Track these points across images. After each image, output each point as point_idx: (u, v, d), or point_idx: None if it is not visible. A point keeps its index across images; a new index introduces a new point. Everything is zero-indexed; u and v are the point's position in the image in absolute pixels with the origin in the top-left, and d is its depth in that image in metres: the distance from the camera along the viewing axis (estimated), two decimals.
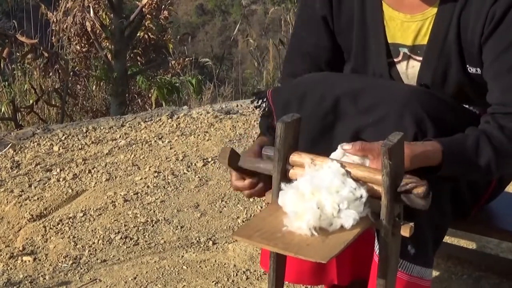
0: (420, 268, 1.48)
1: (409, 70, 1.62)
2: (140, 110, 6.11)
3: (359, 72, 1.65)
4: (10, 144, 3.36)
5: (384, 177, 1.23)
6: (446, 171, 1.38)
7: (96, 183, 2.97)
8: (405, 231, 1.28)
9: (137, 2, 6.29)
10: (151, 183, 2.95)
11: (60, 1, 6.31)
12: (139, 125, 3.67)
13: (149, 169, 3.09)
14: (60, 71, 5.45)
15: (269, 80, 6.61)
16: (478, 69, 1.53)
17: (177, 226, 2.59)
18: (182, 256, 2.37)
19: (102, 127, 3.63)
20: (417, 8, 1.56)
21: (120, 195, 2.83)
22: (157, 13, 6.61)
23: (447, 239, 2.36)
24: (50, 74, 5.65)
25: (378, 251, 1.47)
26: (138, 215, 2.67)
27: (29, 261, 2.36)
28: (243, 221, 2.63)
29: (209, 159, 3.18)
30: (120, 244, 2.46)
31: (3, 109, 5.07)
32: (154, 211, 2.71)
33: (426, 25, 1.56)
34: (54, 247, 2.45)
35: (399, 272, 1.42)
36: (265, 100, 1.60)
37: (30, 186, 2.95)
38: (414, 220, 1.30)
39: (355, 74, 1.65)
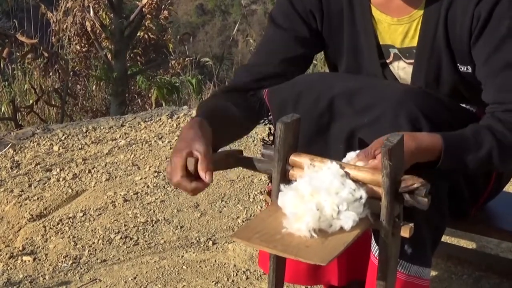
0: (418, 268, 1.47)
1: (401, 71, 1.62)
2: (140, 110, 6.10)
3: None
4: (10, 144, 3.35)
5: (384, 178, 1.22)
6: (447, 163, 1.37)
7: (96, 183, 2.97)
8: (405, 231, 1.28)
9: (137, 2, 6.29)
10: (151, 183, 2.94)
11: (60, 1, 6.31)
12: (139, 125, 3.66)
13: (149, 169, 3.08)
14: (60, 71, 5.45)
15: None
16: (469, 67, 1.53)
17: (177, 226, 2.58)
18: (182, 256, 2.37)
19: (102, 127, 3.62)
20: (404, 11, 1.56)
21: (120, 195, 2.83)
22: (157, 13, 6.60)
23: (447, 239, 2.36)
24: (50, 74, 5.65)
25: (376, 251, 1.47)
26: (138, 215, 2.67)
27: (29, 261, 2.36)
28: (243, 221, 2.62)
29: None
30: (120, 244, 2.46)
31: (3, 109, 5.06)
32: (154, 211, 2.70)
33: (413, 27, 1.56)
34: (54, 247, 2.45)
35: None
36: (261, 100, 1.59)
37: (30, 186, 2.95)
38: (411, 219, 1.29)
39: (351, 74, 1.65)
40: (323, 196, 1.20)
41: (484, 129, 1.43)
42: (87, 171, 3.08)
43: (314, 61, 5.46)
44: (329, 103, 1.46)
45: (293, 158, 1.34)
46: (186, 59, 6.97)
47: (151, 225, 2.59)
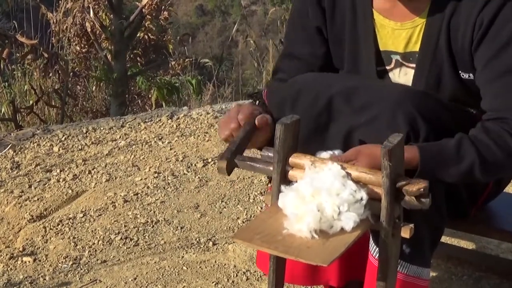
0: (417, 268, 1.47)
1: (402, 77, 1.62)
2: (140, 111, 6.10)
3: None
4: (10, 145, 3.35)
5: (384, 178, 1.22)
6: (423, 176, 1.36)
7: (96, 183, 2.97)
8: (405, 232, 1.28)
9: (137, 3, 6.29)
10: (151, 183, 2.94)
11: (60, 2, 6.30)
12: (139, 126, 3.66)
13: (149, 170, 3.09)
14: (60, 71, 5.44)
15: (269, 80, 6.61)
16: (471, 74, 1.54)
17: (177, 227, 2.58)
18: (182, 257, 2.37)
19: (102, 128, 3.63)
20: (407, 16, 1.56)
21: (120, 195, 2.83)
22: (157, 13, 6.60)
23: (447, 239, 2.36)
24: (50, 74, 5.65)
25: (374, 252, 1.47)
26: (138, 216, 2.67)
27: (29, 261, 2.36)
28: (243, 222, 2.63)
29: (209, 160, 3.18)
30: (120, 245, 2.46)
31: (3, 109, 5.06)
32: (154, 212, 2.70)
33: (417, 32, 1.56)
34: (54, 247, 2.45)
35: None
36: (260, 102, 1.60)
37: (30, 186, 2.95)
38: (410, 219, 1.29)
39: (349, 74, 1.65)
40: (324, 197, 1.21)
41: (467, 141, 1.42)
42: (87, 172, 3.08)
43: None
44: (327, 102, 1.46)
45: (293, 159, 1.35)
46: (186, 59, 6.97)
47: (151, 225, 2.60)
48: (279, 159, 1.34)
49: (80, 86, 6.40)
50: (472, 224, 1.73)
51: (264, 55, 7.40)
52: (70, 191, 2.90)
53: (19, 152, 3.31)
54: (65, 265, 2.33)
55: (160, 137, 3.50)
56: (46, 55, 5.30)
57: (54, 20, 6.23)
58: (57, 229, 2.58)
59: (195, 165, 3.13)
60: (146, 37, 6.74)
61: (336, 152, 1.36)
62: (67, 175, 3.05)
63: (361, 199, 1.23)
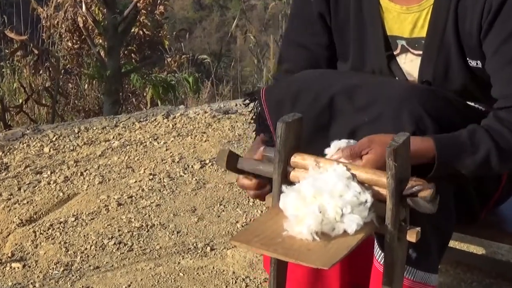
0: (424, 274, 1.48)
1: (408, 64, 1.62)
2: (134, 110, 6.11)
3: (358, 69, 1.66)
4: None
5: (389, 179, 1.23)
6: (440, 168, 1.37)
7: (88, 186, 2.97)
8: (411, 236, 1.28)
9: None
10: (146, 186, 2.95)
11: None
12: (134, 126, 3.67)
13: (144, 172, 3.09)
14: (50, 69, 5.46)
15: (269, 78, 6.61)
16: (479, 61, 1.54)
17: (173, 231, 2.59)
18: (179, 263, 2.37)
19: (94, 128, 3.63)
20: (413, 0, 1.57)
21: (114, 198, 2.84)
22: (152, 8, 6.60)
23: (456, 244, 2.36)
24: (41, 72, 5.66)
25: (379, 257, 1.48)
26: (133, 220, 2.67)
27: (18, 268, 2.36)
28: (242, 226, 2.63)
29: (207, 161, 3.19)
30: (114, 250, 2.46)
31: None
32: (149, 216, 2.71)
33: (423, 16, 1.57)
34: (45, 253, 2.45)
35: None
36: (256, 102, 1.60)
37: (19, 189, 2.95)
38: (416, 223, 1.30)
39: (351, 71, 1.65)
40: (326, 198, 1.21)
41: (481, 130, 1.43)
42: (79, 174, 3.08)
43: None
44: (328, 101, 1.46)
45: (295, 159, 1.35)
46: (183, 56, 6.97)
47: (146, 230, 2.60)
48: (280, 159, 1.34)
49: (72, 84, 6.41)
50: (482, 227, 1.73)
51: (265, 51, 7.40)
52: (61, 194, 2.91)
53: (8, 153, 3.32)
54: (56, 272, 2.34)
55: (155, 137, 3.50)
56: (36, 51, 5.31)
57: (45, 15, 6.24)
58: (47, 233, 2.58)
59: (192, 166, 3.14)
60: (141, 32, 6.75)
61: (352, 141, 1.37)
62: (58, 177, 3.06)
63: (366, 201, 1.23)
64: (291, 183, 1.34)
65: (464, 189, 1.55)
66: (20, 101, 5.23)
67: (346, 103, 1.45)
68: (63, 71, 6.26)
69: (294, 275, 1.63)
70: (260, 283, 2.24)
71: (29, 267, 2.37)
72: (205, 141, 3.45)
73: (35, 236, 2.57)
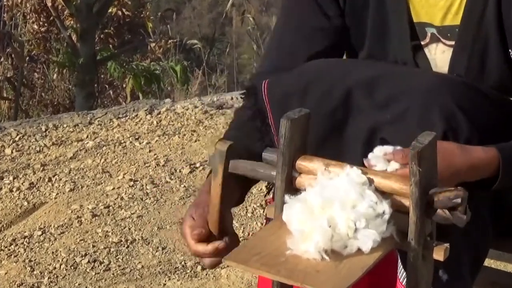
0: None
1: (439, 55, 1.62)
2: (112, 104, 6.11)
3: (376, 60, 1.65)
4: None
5: (412, 187, 1.22)
6: (505, 182, 1.37)
7: (57, 194, 2.97)
8: (439, 254, 1.28)
9: None
10: (125, 194, 2.95)
11: None
12: (111, 123, 3.67)
13: (123, 177, 3.09)
14: (13, 55, 5.45)
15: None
16: None
17: (157, 247, 2.59)
18: (164, 285, 2.38)
19: (65, 125, 3.63)
20: None
21: (88, 208, 2.84)
22: None
23: (491, 262, 2.36)
24: (1, 59, 5.65)
25: (403, 277, 1.47)
26: (110, 234, 2.67)
27: None
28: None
29: (197, 165, 3.19)
30: (88, 270, 2.46)
31: None
32: (129, 229, 2.71)
33: (458, 1, 1.56)
34: (6, 273, 2.45)
35: None
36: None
37: None
38: (447, 239, 1.29)
39: (370, 60, 1.65)
40: (336, 210, 1.20)
41: None
42: (46, 180, 3.08)
43: None
44: (344, 96, 1.46)
45: (302, 162, 1.35)
46: (169, 41, 6.98)
47: (126, 246, 2.60)
48: (284, 162, 1.33)
49: (38, 74, 6.41)
50: None
51: (265, 35, 7.41)
52: (25, 203, 2.91)
53: None
54: None
55: (136, 137, 3.50)
56: None
57: None
58: (9, 250, 2.58)
59: (179, 171, 3.14)
60: (120, 13, 6.75)
61: (398, 147, 1.35)
62: (22, 183, 3.05)
63: (383, 213, 1.22)
64: (297, 190, 1.33)
65: (501, 199, 1.55)
66: None
67: (364, 98, 1.44)
68: (27, 58, 6.25)
69: None
70: None
71: None
72: (195, 141, 3.45)
73: None
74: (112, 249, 2.58)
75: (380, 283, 1.64)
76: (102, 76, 6.69)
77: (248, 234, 2.67)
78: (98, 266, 2.48)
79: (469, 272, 1.50)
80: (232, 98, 4.00)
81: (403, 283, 1.47)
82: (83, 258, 2.52)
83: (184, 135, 3.52)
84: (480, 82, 1.57)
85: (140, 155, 3.32)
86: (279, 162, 1.34)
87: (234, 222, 2.75)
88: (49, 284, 2.39)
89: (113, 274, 2.44)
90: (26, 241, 2.63)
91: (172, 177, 3.09)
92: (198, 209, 1.43)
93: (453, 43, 1.59)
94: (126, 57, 6.89)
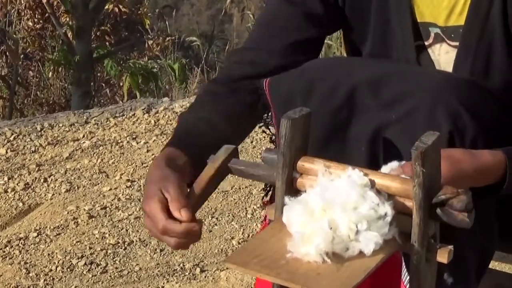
0: None
1: (443, 56, 1.62)
2: (108, 103, 6.11)
3: None
4: None
5: (415, 188, 1.22)
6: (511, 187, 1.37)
7: (53, 195, 2.97)
8: (443, 256, 1.28)
9: None
10: (122, 195, 2.95)
11: None
12: (108, 122, 3.67)
13: (121, 178, 3.09)
14: (7, 53, 5.45)
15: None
16: None
17: (155, 249, 2.59)
18: (162, 287, 2.38)
19: (61, 125, 3.63)
20: None
21: (84, 210, 2.84)
22: None
23: (496, 265, 2.36)
24: None
25: (407, 280, 1.48)
26: (107, 235, 2.67)
27: None
28: (238, 243, 2.63)
29: None
30: (84, 272, 2.46)
31: None
32: (126, 230, 2.71)
33: (462, 0, 1.56)
34: (1, 275, 2.45)
35: None
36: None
37: None
38: (452, 241, 1.29)
39: (375, 59, 1.65)
40: (337, 212, 1.21)
41: None
42: (42, 180, 3.08)
43: (328, 41, 5.47)
44: (348, 95, 1.46)
45: (303, 163, 1.35)
46: (167, 38, 6.98)
47: (123, 247, 2.60)
48: (284, 163, 1.34)
49: (33, 72, 6.41)
50: None
51: None
52: (20, 204, 2.91)
53: None
54: None
55: (134, 136, 3.51)
56: None
57: None
58: (4, 252, 2.58)
59: None
60: (116, 9, 6.75)
61: (403, 162, 1.36)
62: (17, 184, 3.05)
63: (385, 215, 1.22)
64: (297, 191, 1.33)
65: (506, 199, 1.55)
66: None
67: (369, 97, 1.44)
68: (22, 56, 6.25)
69: None
70: None
71: None
72: None
73: None
74: (109, 251, 2.58)
75: (382, 285, 1.64)
76: (98, 74, 6.69)
77: (248, 235, 2.68)
78: (95, 268, 2.49)
79: (475, 275, 1.51)
80: None
81: (407, 286, 1.47)
82: (80, 260, 2.53)
83: None
84: (485, 83, 1.57)
85: (138, 155, 3.32)
86: (280, 163, 1.34)
87: (233, 223, 2.77)
88: (45, 286, 2.40)
89: (110, 276, 2.44)
90: (21, 243, 2.63)
91: None
92: (167, 183, 1.37)
93: (457, 43, 1.59)
94: (123, 55, 6.90)
